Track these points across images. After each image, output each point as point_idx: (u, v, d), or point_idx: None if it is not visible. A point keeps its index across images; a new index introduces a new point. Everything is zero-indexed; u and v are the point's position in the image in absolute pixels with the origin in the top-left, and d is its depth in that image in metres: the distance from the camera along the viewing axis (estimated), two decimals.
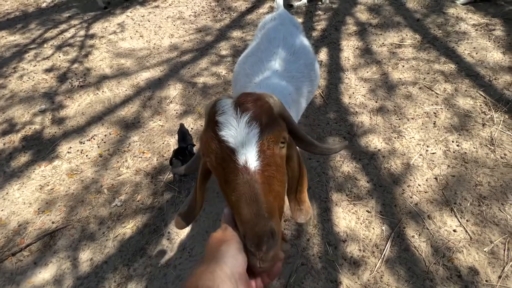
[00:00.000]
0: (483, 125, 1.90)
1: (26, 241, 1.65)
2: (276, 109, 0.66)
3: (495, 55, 2.36)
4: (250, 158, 0.55)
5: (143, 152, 2.05)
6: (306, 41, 1.47)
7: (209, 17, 3.54)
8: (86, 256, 1.56)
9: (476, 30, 2.65)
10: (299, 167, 0.76)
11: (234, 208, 0.55)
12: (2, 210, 1.82)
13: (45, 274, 1.52)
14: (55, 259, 1.57)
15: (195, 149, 1.83)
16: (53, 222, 1.73)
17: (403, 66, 2.43)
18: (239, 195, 0.53)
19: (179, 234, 1.59)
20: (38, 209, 1.81)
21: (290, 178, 0.74)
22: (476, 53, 2.41)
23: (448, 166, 1.72)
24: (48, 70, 3.00)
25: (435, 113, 2.02)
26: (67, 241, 1.64)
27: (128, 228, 1.66)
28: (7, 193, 1.92)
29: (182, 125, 1.95)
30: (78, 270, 1.52)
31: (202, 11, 3.67)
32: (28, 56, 3.26)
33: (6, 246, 1.65)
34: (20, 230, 1.71)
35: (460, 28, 2.70)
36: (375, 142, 1.91)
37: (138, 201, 1.78)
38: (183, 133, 1.87)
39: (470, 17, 2.82)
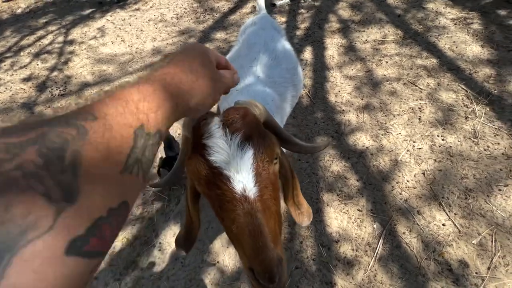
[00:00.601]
0: (466, 118, 1.94)
1: None
2: (262, 119, 0.64)
3: (474, 49, 2.42)
4: (248, 185, 0.51)
5: None
6: (287, 45, 1.46)
7: (191, 19, 3.49)
8: None
9: (455, 24, 2.71)
10: (290, 171, 0.75)
11: (235, 239, 0.53)
12: None
13: None
14: None
15: None
16: None
17: (387, 62, 2.46)
18: (241, 228, 0.50)
19: (171, 244, 1.56)
20: None
21: (285, 186, 0.73)
22: (456, 47, 2.46)
23: (435, 160, 1.75)
24: (26, 79, 2.89)
25: (419, 108, 2.06)
26: None
27: (117, 241, 1.61)
28: None
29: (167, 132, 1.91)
30: None
31: (184, 13, 3.61)
32: (4, 65, 3.13)
33: None
34: None
35: (439, 23, 2.75)
36: (363, 139, 1.92)
37: None
38: (169, 140, 1.84)
39: (448, 11, 2.87)
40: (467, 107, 2.01)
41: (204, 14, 3.55)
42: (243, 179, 0.52)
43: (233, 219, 0.51)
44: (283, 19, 3.21)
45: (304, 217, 0.77)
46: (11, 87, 2.81)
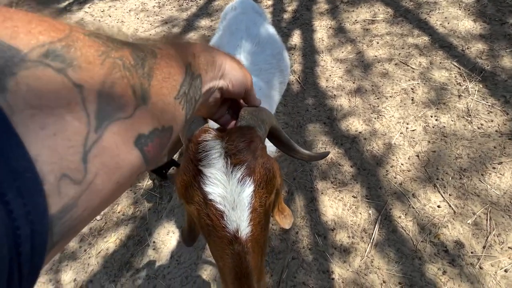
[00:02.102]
0: (459, 96, 1.91)
1: None
2: (268, 128, 0.59)
3: (466, 24, 2.35)
4: (242, 225, 0.48)
5: None
6: (271, 29, 1.38)
7: (174, 7, 3.34)
8: (69, 277, 1.49)
9: None
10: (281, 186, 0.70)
11: (220, 270, 0.50)
12: None
13: None
14: (36, 285, 1.48)
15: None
16: None
17: (378, 43, 2.39)
18: (228, 268, 0.47)
19: (165, 242, 1.54)
20: None
21: (275, 202, 0.68)
22: (448, 23, 2.40)
23: (429, 142, 1.72)
24: None
25: (412, 89, 2.01)
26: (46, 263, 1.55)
27: (110, 242, 1.58)
28: None
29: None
30: None
31: (167, 1, 3.46)
32: None
33: None
34: None
35: None
36: (356, 124, 1.89)
37: (118, 212, 1.70)
38: None
39: None
40: (460, 85, 1.97)
41: (187, 0, 3.40)
42: (238, 218, 0.48)
43: (221, 256, 0.48)
44: (269, 2, 3.09)
45: (287, 220, 0.75)
46: None
